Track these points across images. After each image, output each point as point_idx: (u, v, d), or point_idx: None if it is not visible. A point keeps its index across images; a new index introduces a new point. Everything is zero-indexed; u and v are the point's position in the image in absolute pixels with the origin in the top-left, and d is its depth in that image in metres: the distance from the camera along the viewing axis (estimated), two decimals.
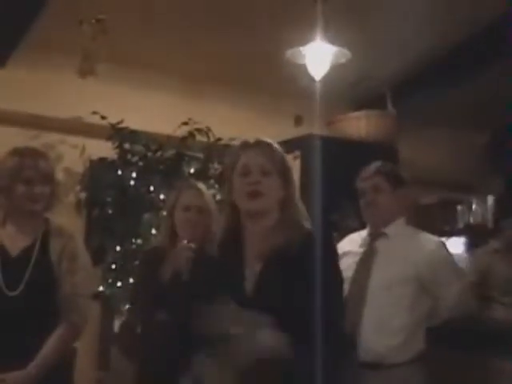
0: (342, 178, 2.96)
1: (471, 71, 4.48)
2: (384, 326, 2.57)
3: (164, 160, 4.13)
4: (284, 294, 1.78)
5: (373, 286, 2.63)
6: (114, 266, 3.92)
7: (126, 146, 4.11)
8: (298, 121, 4.61)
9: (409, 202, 2.92)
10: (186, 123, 4.22)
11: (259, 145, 1.92)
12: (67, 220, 3.34)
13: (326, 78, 3.79)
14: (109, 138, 4.10)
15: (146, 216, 3.91)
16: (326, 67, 3.76)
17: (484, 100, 4.81)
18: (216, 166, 4.22)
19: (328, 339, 1.74)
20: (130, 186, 4.03)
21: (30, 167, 2.36)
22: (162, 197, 3.91)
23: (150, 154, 4.12)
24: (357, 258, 2.72)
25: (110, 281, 3.91)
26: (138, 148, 4.13)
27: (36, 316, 2.30)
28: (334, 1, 3.55)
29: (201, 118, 4.26)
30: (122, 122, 4.10)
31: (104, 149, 4.14)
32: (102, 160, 4.17)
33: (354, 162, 2.89)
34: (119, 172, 4.06)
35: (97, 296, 3.84)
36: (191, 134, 4.21)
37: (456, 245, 4.04)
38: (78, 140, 4.25)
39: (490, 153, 5.58)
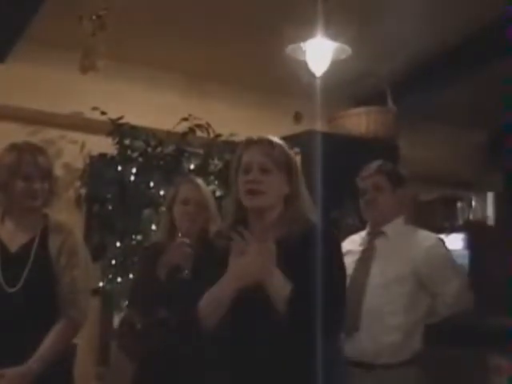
0: (342, 174, 2.97)
1: (471, 69, 4.48)
2: (382, 325, 2.58)
3: (164, 156, 4.13)
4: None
5: (371, 284, 2.64)
6: (113, 262, 3.92)
7: (126, 141, 4.11)
8: (298, 117, 4.60)
9: (408, 201, 2.93)
10: (186, 119, 4.22)
11: (260, 142, 1.94)
12: (67, 216, 3.35)
13: (327, 75, 3.79)
14: (109, 134, 4.10)
15: (146, 212, 3.91)
16: (326, 63, 3.75)
17: (484, 98, 4.81)
18: (216, 162, 4.21)
19: (328, 333, 1.76)
20: (130, 181, 4.03)
21: (29, 163, 2.36)
22: (162, 193, 3.91)
23: (150, 149, 4.12)
24: (356, 257, 2.72)
25: (110, 276, 3.92)
26: (138, 144, 4.12)
27: (35, 312, 2.31)
28: None
29: (201, 114, 4.26)
30: (122, 117, 4.09)
31: (104, 144, 4.13)
32: (102, 156, 4.16)
33: (354, 158, 2.90)
34: (119, 168, 4.06)
35: (97, 292, 3.85)
36: (191, 130, 4.21)
37: (456, 241, 4.03)
38: (78, 136, 4.25)
39: (489, 150, 5.58)
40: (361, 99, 4.69)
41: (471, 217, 4.63)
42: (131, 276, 3.69)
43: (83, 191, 4.22)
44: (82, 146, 4.20)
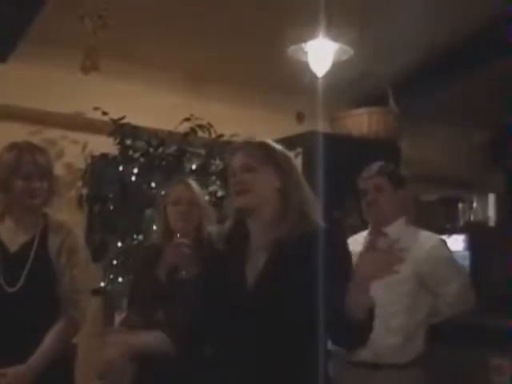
0: (343, 175, 2.97)
1: (472, 69, 4.48)
2: (385, 325, 2.57)
3: (166, 156, 4.13)
4: (286, 287, 1.79)
5: (373, 284, 2.63)
6: (115, 262, 3.92)
7: (128, 141, 4.11)
8: (300, 118, 4.61)
9: (410, 202, 2.93)
10: (187, 119, 4.22)
11: (242, 146, 1.98)
12: (69, 216, 3.35)
13: (328, 75, 3.79)
14: (110, 134, 4.10)
15: (148, 212, 3.91)
16: (328, 64, 3.76)
17: (485, 98, 4.81)
18: (218, 162, 4.22)
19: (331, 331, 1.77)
20: (131, 181, 4.03)
21: (28, 162, 2.36)
22: (163, 193, 3.91)
23: (151, 149, 4.12)
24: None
25: (111, 277, 3.92)
26: (140, 144, 4.12)
27: (35, 311, 2.31)
28: None
29: (202, 114, 4.26)
30: (123, 117, 4.09)
31: (106, 145, 4.14)
32: (104, 156, 4.17)
33: (355, 159, 2.90)
34: (121, 168, 4.06)
35: (98, 292, 3.85)
36: (193, 130, 4.21)
37: (457, 242, 4.03)
38: (80, 136, 4.25)
39: (491, 151, 5.58)
40: (362, 100, 4.69)
41: (472, 218, 4.63)
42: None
43: (85, 191, 4.22)
44: (84, 146, 4.21)
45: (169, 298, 2.43)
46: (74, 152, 4.23)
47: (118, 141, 4.11)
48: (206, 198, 3.79)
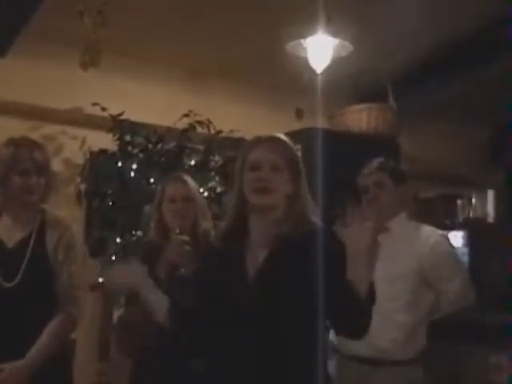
0: (342, 171, 2.96)
1: (471, 67, 4.47)
2: (387, 321, 2.58)
3: (164, 152, 4.13)
4: (287, 283, 1.80)
5: (375, 280, 2.63)
6: (114, 258, 3.92)
7: (127, 137, 4.11)
8: (299, 114, 4.59)
9: (410, 197, 2.93)
10: (186, 115, 4.22)
11: (271, 140, 1.94)
12: (67, 212, 3.35)
13: (328, 71, 3.78)
14: (109, 130, 4.10)
15: (147, 208, 3.91)
16: (327, 60, 3.75)
17: (485, 95, 4.81)
18: (217, 158, 4.21)
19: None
20: (130, 177, 4.03)
21: (26, 158, 2.36)
22: (159, 188, 3.90)
23: (150, 145, 4.12)
24: None
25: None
26: (139, 140, 4.12)
27: (33, 307, 2.31)
28: None
29: (201, 110, 4.25)
30: (122, 113, 4.09)
31: (104, 140, 4.13)
32: (103, 152, 4.16)
33: (354, 155, 2.89)
34: (120, 164, 4.06)
35: (96, 287, 3.85)
36: (192, 126, 4.21)
37: (455, 239, 4.04)
38: (79, 131, 4.24)
39: (490, 147, 5.58)
40: (362, 96, 4.67)
41: (471, 214, 4.64)
42: None
43: (83, 187, 4.22)
44: (83, 141, 4.20)
45: (168, 296, 2.43)
46: (72, 148, 4.22)
47: (116, 137, 4.11)
48: (205, 194, 3.80)
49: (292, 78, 4.01)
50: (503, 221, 4.48)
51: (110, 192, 4.06)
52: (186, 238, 2.48)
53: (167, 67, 4.54)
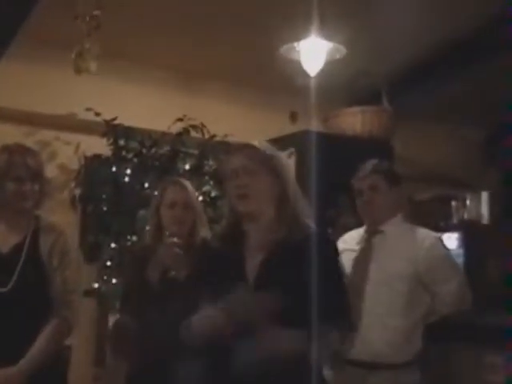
0: (337, 173, 2.97)
1: (466, 68, 4.48)
2: (383, 324, 2.57)
3: (159, 156, 4.13)
4: (285, 284, 1.81)
5: (370, 283, 2.63)
6: (109, 263, 3.91)
7: (121, 142, 4.10)
8: (294, 117, 4.61)
9: (405, 199, 2.93)
10: (180, 120, 4.22)
11: (244, 147, 1.99)
12: (62, 217, 3.35)
13: (321, 74, 3.79)
14: (103, 135, 4.09)
15: (141, 213, 3.91)
16: (320, 63, 3.76)
17: (479, 97, 4.82)
18: (211, 162, 4.21)
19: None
20: (124, 182, 4.02)
21: (19, 165, 2.36)
22: (156, 193, 3.90)
23: (144, 150, 4.12)
24: (354, 255, 2.72)
25: (105, 278, 3.91)
26: (133, 144, 4.12)
27: (27, 312, 2.31)
28: None
29: (195, 114, 4.25)
30: (116, 118, 4.08)
31: (99, 145, 4.13)
32: (97, 157, 4.16)
33: (349, 158, 2.90)
34: (114, 168, 4.05)
35: (92, 293, 3.84)
36: (186, 131, 4.21)
37: (450, 240, 4.04)
38: (73, 137, 4.23)
39: (484, 149, 5.59)
40: (356, 99, 4.69)
41: (466, 216, 4.64)
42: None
43: (78, 192, 4.21)
44: (77, 146, 4.19)
45: (161, 299, 2.42)
46: (67, 153, 4.22)
47: (111, 141, 4.10)
48: (200, 198, 3.80)
49: (286, 81, 4.02)
50: (497, 222, 4.48)
51: (104, 197, 4.05)
52: (177, 240, 2.47)
53: (161, 72, 4.54)
